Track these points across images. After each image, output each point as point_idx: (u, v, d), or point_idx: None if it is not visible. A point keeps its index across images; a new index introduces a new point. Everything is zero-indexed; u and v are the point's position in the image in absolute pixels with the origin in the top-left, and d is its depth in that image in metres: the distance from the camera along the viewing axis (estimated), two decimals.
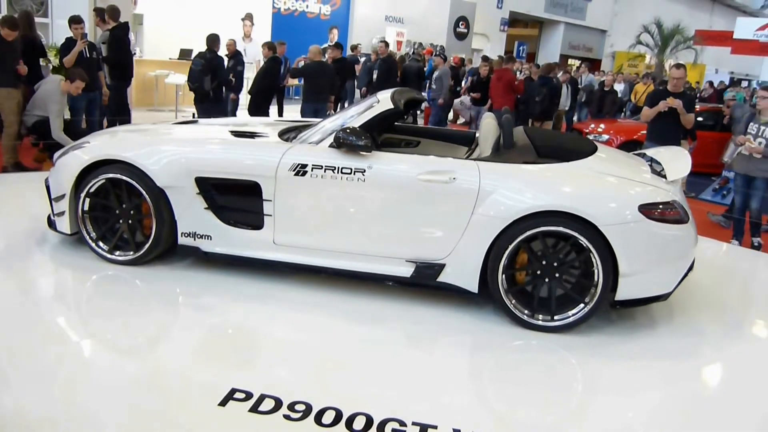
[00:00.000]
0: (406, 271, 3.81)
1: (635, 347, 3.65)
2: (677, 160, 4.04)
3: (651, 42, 22.52)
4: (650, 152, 4.39)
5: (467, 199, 3.65)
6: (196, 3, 14.12)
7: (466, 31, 20.77)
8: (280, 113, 10.69)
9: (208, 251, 4.02)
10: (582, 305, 3.64)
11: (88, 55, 7.45)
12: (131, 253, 4.11)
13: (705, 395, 3.33)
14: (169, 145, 4.05)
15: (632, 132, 10.41)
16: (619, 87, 14.22)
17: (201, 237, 4.01)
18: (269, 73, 9.13)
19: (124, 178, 3.97)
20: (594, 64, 25.91)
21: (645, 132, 10.19)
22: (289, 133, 4.47)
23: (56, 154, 4.34)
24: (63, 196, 4.12)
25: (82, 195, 4.06)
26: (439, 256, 3.76)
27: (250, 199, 3.90)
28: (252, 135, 4.28)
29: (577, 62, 25.46)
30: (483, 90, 11.08)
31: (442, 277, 3.77)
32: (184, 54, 12.73)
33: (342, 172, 3.74)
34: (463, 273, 3.73)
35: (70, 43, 7.37)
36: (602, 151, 4.09)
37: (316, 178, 3.77)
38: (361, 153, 3.76)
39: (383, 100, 4.01)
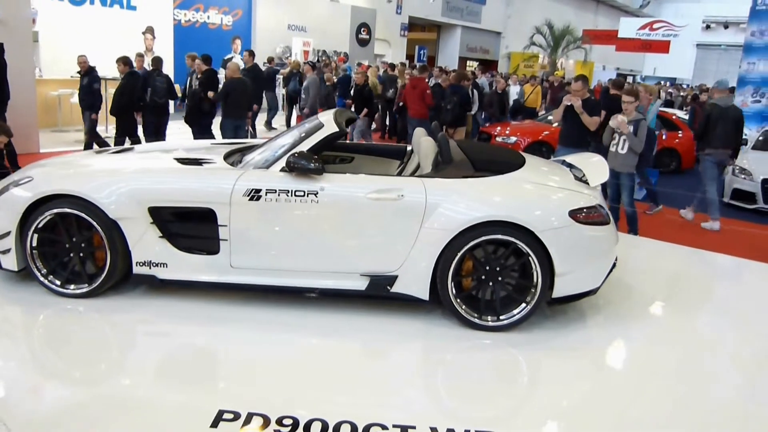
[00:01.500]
0: (361, 284, 4.06)
1: (569, 339, 4.10)
2: (596, 167, 4.54)
3: (543, 42, 23.99)
4: (570, 159, 4.88)
5: (415, 215, 3.95)
6: (93, 17, 13.59)
7: (368, 37, 21.22)
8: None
9: (164, 278, 4.09)
10: (524, 305, 4.04)
11: None
12: (85, 285, 4.09)
13: (630, 379, 3.81)
14: (119, 176, 4.07)
15: (537, 134, 11.15)
16: (515, 89, 14.91)
17: (156, 265, 4.07)
18: (126, 91, 8.87)
19: (75, 212, 3.96)
20: (491, 65, 27.23)
21: (547, 133, 11.12)
22: (233, 157, 4.60)
23: None
24: (8, 233, 4.04)
25: (30, 231, 4.01)
26: (391, 268, 4.04)
27: (205, 226, 4.01)
28: (198, 161, 4.37)
29: (475, 64, 26.66)
30: (361, 100, 10.39)
31: (396, 288, 4.05)
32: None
33: (295, 195, 3.94)
34: (415, 282, 4.03)
35: None
36: (530, 162, 4.53)
37: (270, 202, 3.94)
38: (312, 176, 3.97)
39: (328, 124, 4.24)
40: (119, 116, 8.91)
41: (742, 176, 9.08)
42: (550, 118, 11.97)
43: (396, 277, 4.04)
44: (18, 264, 4.12)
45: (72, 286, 4.11)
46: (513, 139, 11.06)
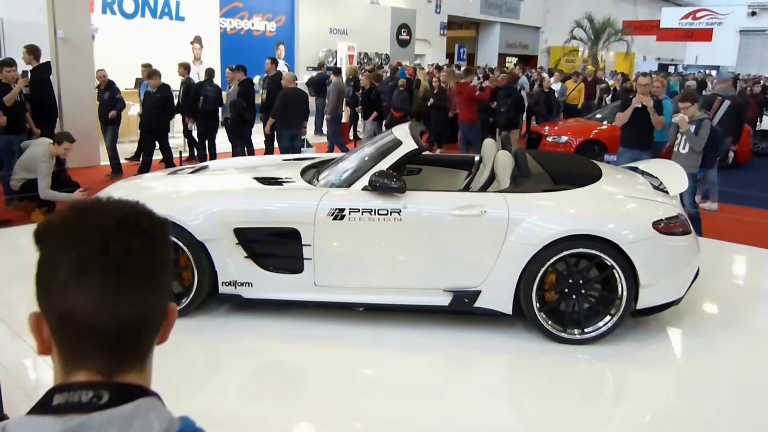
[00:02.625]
0: (444, 300, 4.08)
1: (653, 350, 4.04)
2: (674, 175, 4.46)
3: (584, 36, 23.60)
4: (643, 166, 4.80)
5: (498, 230, 3.95)
6: (144, 29, 13.93)
7: (408, 38, 21.18)
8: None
9: (249, 298, 4.17)
10: (609, 317, 4.00)
11: (18, 98, 7.04)
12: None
13: (715, 392, 3.73)
14: (204, 198, 4.17)
15: (588, 132, 10.99)
16: (556, 87, 14.60)
17: (242, 285, 4.15)
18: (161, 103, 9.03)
19: None
20: (530, 61, 26.91)
21: (597, 131, 10.95)
22: (308, 173, 4.66)
23: None
24: None
25: None
26: (475, 283, 4.04)
27: (289, 245, 4.08)
28: (277, 181, 4.45)
29: (514, 60, 26.37)
30: (369, 104, 10.35)
31: (479, 303, 4.05)
32: (140, 83, 12.54)
33: (378, 214, 3.97)
34: (498, 297, 4.03)
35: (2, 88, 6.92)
36: (607, 172, 4.47)
37: (354, 221, 3.98)
38: (395, 194, 4.00)
39: (406, 141, 4.25)
40: (152, 129, 9.06)
41: None
42: (598, 116, 11.80)
43: (479, 292, 4.04)
44: None
45: None
46: (564, 138, 10.90)
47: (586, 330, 4.00)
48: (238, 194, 4.23)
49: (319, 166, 4.93)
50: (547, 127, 11.58)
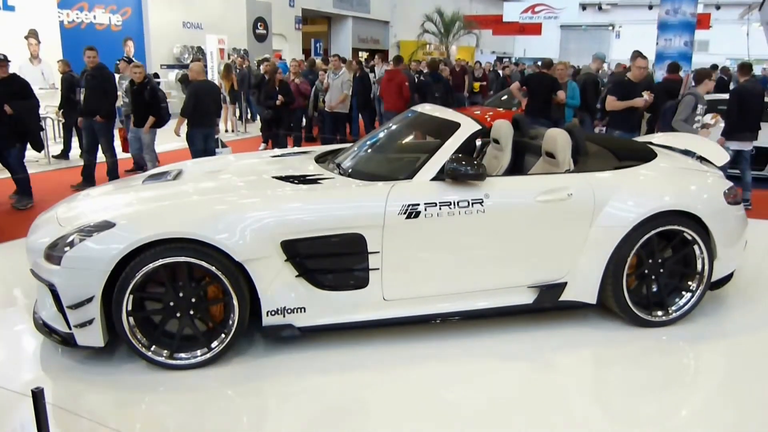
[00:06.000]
0: (529, 297, 3.60)
1: (733, 330, 3.88)
2: (712, 148, 4.39)
3: (435, 29, 24.18)
4: (677, 143, 4.62)
5: (584, 214, 3.56)
6: None
7: (265, 32, 20.11)
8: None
9: (303, 326, 3.34)
10: (689, 294, 3.80)
11: None
12: (201, 351, 3.24)
13: None
14: (239, 210, 3.24)
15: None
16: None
17: (292, 311, 3.31)
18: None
19: (191, 260, 3.09)
20: (382, 55, 27.03)
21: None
22: (331, 166, 3.90)
23: (51, 249, 3.21)
24: (89, 299, 3.07)
25: (126, 293, 3.08)
26: (560, 275, 3.62)
27: (351, 255, 3.32)
28: (308, 178, 3.63)
29: (365, 54, 26.34)
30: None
31: (564, 296, 3.64)
32: None
33: (459, 206, 3.37)
34: (584, 287, 3.65)
35: None
36: (657, 148, 4.26)
37: (431, 218, 3.34)
38: (473, 182, 3.42)
39: (465, 122, 3.68)
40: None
41: None
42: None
43: (565, 284, 3.63)
44: (104, 337, 3.18)
45: (184, 355, 3.23)
46: None
47: (670, 310, 3.77)
48: (282, 199, 3.35)
49: (330, 159, 4.16)
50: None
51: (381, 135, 4.30)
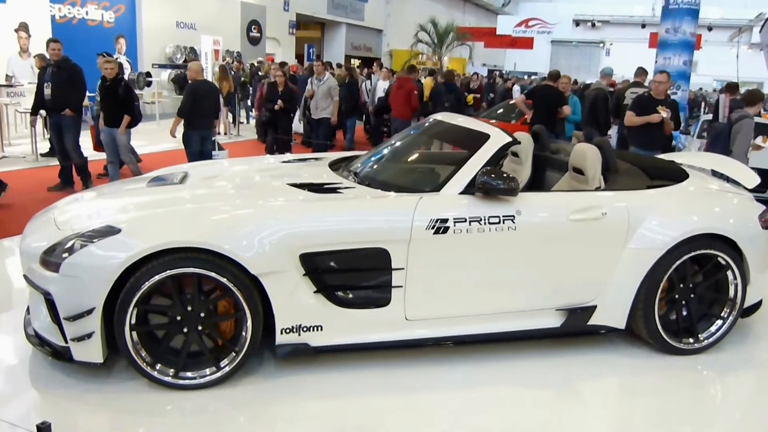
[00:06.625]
0: (556, 321, 3.41)
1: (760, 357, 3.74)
2: (741, 170, 4.24)
3: (428, 39, 24.13)
4: (704, 164, 4.49)
5: (618, 234, 3.38)
6: None
7: (259, 35, 19.89)
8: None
9: (318, 346, 3.11)
10: (720, 321, 3.64)
11: None
12: (209, 371, 2.99)
13: None
14: (257, 219, 3.01)
15: None
16: (382, 85, 12.10)
17: (308, 329, 3.07)
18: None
19: (202, 271, 2.85)
20: (373, 63, 26.90)
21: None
22: (350, 175, 3.68)
23: (49, 256, 2.94)
24: (89, 311, 2.82)
25: (131, 305, 2.82)
26: (590, 297, 3.43)
27: (373, 271, 3.11)
28: (323, 187, 3.41)
29: (357, 61, 26.20)
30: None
31: (593, 320, 3.45)
32: None
33: (489, 222, 3.17)
34: (614, 311, 3.46)
35: None
36: (687, 168, 4.11)
37: (459, 234, 3.13)
38: (504, 198, 3.22)
39: (495, 134, 3.48)
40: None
41: None
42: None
43: (594, 307, 3.43)
44: (104, 353, 2.92)
45: (190, 374, 2.98)
46: None
47: (701, 337, 3.60)
48: (302, 209, 3.12)
49: (344, 166, 3.95)
50: None
51: (401, 143, 4.09)
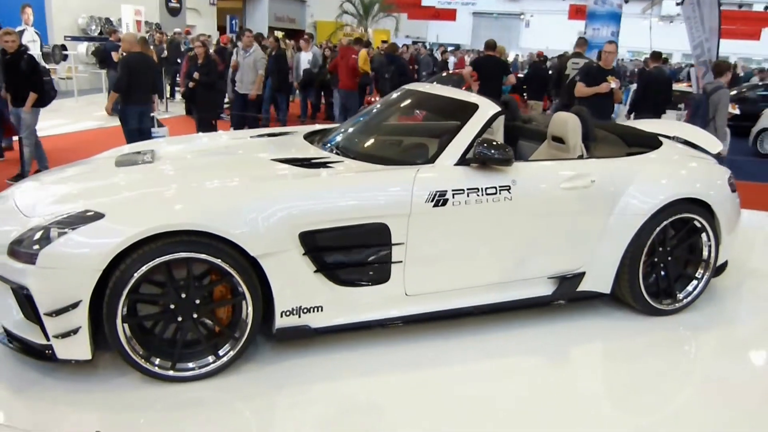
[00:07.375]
0: (548, 289, 3.46)
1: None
2: (704, 136, 4.40)
3: (353, 11, 23.75)
4: (657, 128, 4.63)
5: (605, 201, 3.45)
6: None
7: (179, 5, 18.94)
8: None
9: (319, 327, 3.00)
10: (695, 281, 3.80)
11: None
12: (207, 360, 2.83)
13: None
14: (252, 196, 2.84)
15: None
16: (306, 56, 11.59)
17: (308, 311, 2.96)
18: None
19: (198, 255, 2.67)
20: (297, 34, 26.23)
21: None
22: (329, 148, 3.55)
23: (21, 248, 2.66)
24: (75, 304, 2.58)
25: (122, 297, 2.61)
26: (579, 264, 3.49)
27: (373, 247, 3.01)
28: (312, 162, 3.26)
29: (281, 33, 25.47)
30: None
31: (582, 286, 3.53)
32: None
33: (486, 193, 3.14)
34: (601, 277, 3.56)
35: None
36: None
37: (458, 206, 3.08)
38: (500, 168, 3.20)
39: (483, 104, 3.43)
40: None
41: None
42: None
43: (583, 274, 3.51)
44: (92, 349, 2.69)
45: (191, 365, 2.81)
46: None
47: (679, 296, 3.75)
48: (299, 186, 2.96)
49: (319, 139, 3.80)
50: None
51: (379, 114, 3.97)
